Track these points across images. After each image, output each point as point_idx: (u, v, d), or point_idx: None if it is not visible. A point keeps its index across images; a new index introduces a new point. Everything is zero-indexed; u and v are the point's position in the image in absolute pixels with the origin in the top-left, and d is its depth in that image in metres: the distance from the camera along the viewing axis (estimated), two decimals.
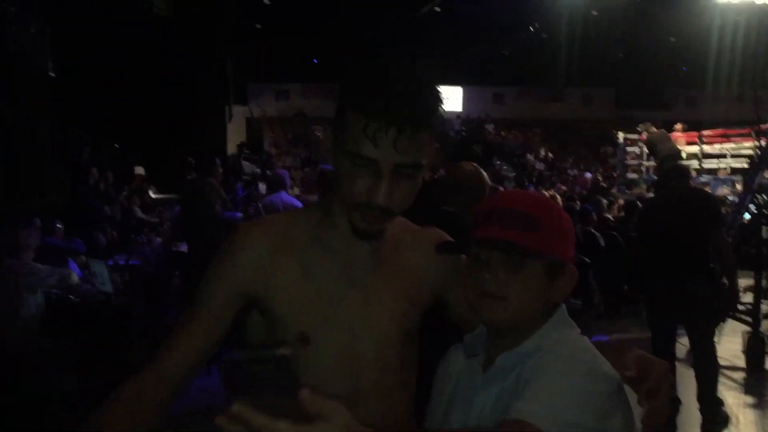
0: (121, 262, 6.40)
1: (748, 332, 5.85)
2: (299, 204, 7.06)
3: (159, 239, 8.38)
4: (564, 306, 1.32)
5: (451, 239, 1.43)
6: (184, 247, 6.95)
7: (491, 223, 1.23)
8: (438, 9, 19.54)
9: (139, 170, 14.01)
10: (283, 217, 1.44)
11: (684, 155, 13.04)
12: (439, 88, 1.26)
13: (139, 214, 10.25)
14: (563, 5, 18.04)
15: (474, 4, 20.31)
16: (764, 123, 8.06)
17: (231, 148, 17.09)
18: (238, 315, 1.35)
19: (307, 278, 1.33)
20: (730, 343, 5.91)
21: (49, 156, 8.21)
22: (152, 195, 12.36)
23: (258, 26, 19.90)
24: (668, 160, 11.84)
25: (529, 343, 1.24)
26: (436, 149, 1.32)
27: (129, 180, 12.61)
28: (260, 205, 6.48)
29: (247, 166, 6.68)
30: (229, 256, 1.34)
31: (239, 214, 6.41)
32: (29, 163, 7.57)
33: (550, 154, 23.62)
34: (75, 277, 5.11)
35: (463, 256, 1.32)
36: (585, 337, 1.29)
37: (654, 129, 14.13)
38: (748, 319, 5.91)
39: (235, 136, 18.67)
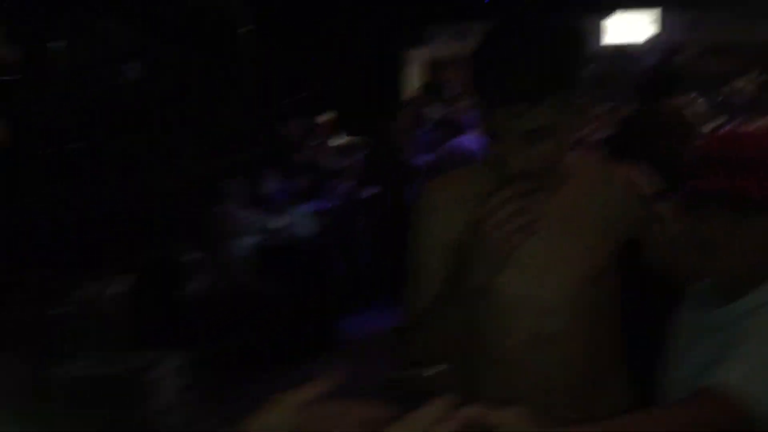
0: (314, 208, 6.76)
1: None
2: (478, 147, 7.01)
3: (344, 185, 8.69)
4: None
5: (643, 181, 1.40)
6: (368, 193, 7.16)
7: (710, 170, 1.15)
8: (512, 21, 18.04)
9: (330, 116, 14.57)
10: (466, 171, 1.51)
11: None
12: (555, 50, 1.24)
13: (330, 160, 10.67)
14: None
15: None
16: None
17: (410, 92, 17.20)
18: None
19: (489, 228, 1.35)
20: None
21: (252, 108, 8.74)
22: (338, 141, 12.83)
23: None
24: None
25: (748, 299, 1.17)
26: (581, 105, 1.32)
27: (319, 126, 13.11)
28: (444, 150, 6.50)
29: (429, 110, 6.70)
30: (424, 212, 1.47)
31: (426, 159, 6.47)
32: (233, 116, 8.10)
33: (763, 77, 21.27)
34: (278, 223, 5.46)
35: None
36: None
37: None
38: None
39: (413, 78, 18.79)
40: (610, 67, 22.60)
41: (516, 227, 1.33)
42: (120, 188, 5.77)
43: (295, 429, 0.89)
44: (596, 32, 26.09)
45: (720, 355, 1.11)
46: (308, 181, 9.39)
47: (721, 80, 18.77)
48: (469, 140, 7.20)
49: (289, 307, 4.85)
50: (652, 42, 20.26)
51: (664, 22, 22.11)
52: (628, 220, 1.41)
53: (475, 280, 1.34)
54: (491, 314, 1.36)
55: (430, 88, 10.52)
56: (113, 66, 6.51)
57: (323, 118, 13.84)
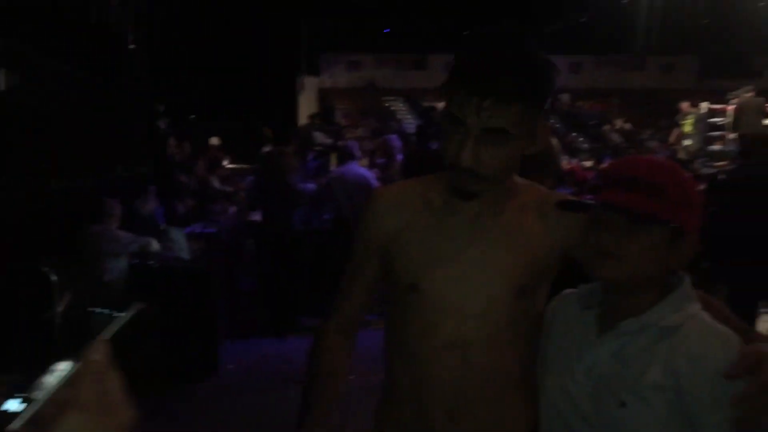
0: (198, 231, 6.59)
1: None
2: (370, 175, 7.10)
3: (234, 208, 8.58)
4: (688, 278, 1.34)
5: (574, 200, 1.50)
6: (257, 216, 7.10)
7: (613, 188, 1.27)
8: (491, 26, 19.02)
9: (214, 141, 14.38)
10: (415, 181, 1.57)
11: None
12: (538, 64, 1.33)
13: (216, 184, 10.50)
14: None
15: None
16: None
17: (302, 119, 17.26)
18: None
19: (425, 235, 1.45)
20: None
21: (133, 128, 8.48)
22: (226, 165, 12.65)
23: None
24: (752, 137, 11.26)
25: (656, 314, 1.27)
26: (541, 126, 1.38)
27: (204, 150, 12.89)
28: (331, 176, 6.54)
29: (318, 136, 6.73)
30: (367, 215, 1.54)
31: (312, 185, 6.50)
32: (116, 134, 7.82)
33: (628, 125, 22.85)
34: (155, 245, 5.31)
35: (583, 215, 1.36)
36: (706, 315, 1.30)
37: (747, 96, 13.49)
38: None
39: (306, 107, 18.83)
40: None
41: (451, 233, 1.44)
42: None
43: None
44: None
45: (646, 368, 1.21)
46: (194, 203, 9.19)
47: (597, 121, 19.93)
48: (359, 167, 7.28)
49: (169, 330, 4.69)
50: None
51: None
52: (561, 240, 1.46)
53: (405, 278, 1.43)
54: (415, 314, 1.39)
55: (321, 116, 10.59)
56: None
57: (213, 140, 13.64)
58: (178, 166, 10.00)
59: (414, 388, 1.45)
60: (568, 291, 1.51)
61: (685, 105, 14.82)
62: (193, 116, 14.51)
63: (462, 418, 1.41)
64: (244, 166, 13.04)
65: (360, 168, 7.35)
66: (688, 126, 14.38)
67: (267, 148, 8.89)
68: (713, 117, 13.92)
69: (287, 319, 6.24)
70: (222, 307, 5.43)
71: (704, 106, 14.31)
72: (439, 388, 1.42)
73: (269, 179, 6.15)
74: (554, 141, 2.81)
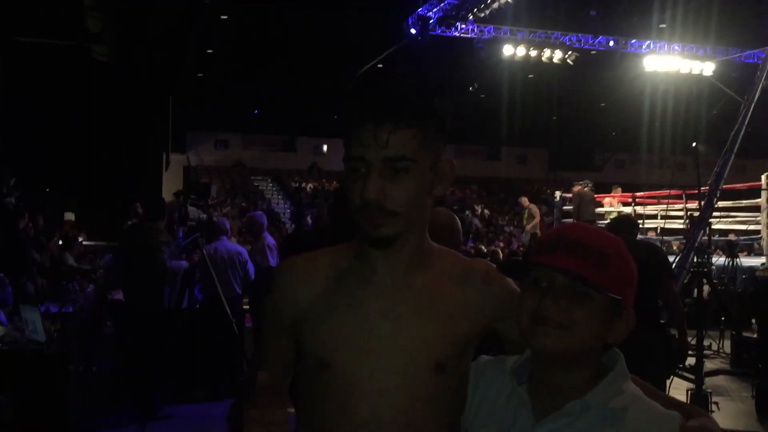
0: (54, 310, 6.06)
1: (691, 389, 5.93)
2: (243, 250, 6.91)
3: (92, 287, 8.03)
4: (622, 354, 1.28)
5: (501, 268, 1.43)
6: (118, 295, 6.66)
7: (559, 251, 1.21)
8: (380, 66, 19.86)
9: (69, 216, 13.56)
10: (325, 251, 1.45)
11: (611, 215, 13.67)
12: (429, 89, 1.29)
13: (71, 261, 9.83)
14: (502, 67, 18.62)
15: (415, 62, 20.78)
16: (703, 186, 8.41)
17: (167, 197, 16.73)
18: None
19: (336, 308, 1.34)
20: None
21: None
22: (83, 242, 11.92)
23: (200, 75, 19.76)
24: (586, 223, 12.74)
25: (600, 394, 1.20)
26: (446, 160, 1.33)
27: (59, 226, 12.14)
28: (204, 252, 6.28)
29: (193, 211, 6.49)
30: (273, 291, 1.42)
31: (185, 263, 6.20)
32: None
33: (487, 211, 24.03)
34: (1, 328, 4.82)
35: (516, 286, 1.31)
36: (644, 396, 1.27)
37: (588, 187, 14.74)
38: (691, 376, 6.00)
39: (171, 184, 18.32)
40: None
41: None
42: None
43: None
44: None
45: None
46: (46, 282, 8.51)
47: (458, 207, 20.76)
48: (231, 243, 7.07)
49: (22, 416, 4.20)
50: None
51: None
52: (485, 312, 1.38)
53: (316, 356, 1.31)
54: (328, 393, 1.26)
55: (189, 193, 10.28)
56: None
57: (68, 216, 12.87)
58: (30, 242, 9.29)
59: None
60: (487, 358, 1.41)
61: (524, 200, 16.01)
62: (47, 189, 13.65)
63: None
64: (101, 243, 12.35)
65: (233, 243, 7.15)
66: (525, 218, 15.56)
67: (131, 223, 8.47)
68: (565, 204, 14.87)
69: (149, 405, 5.79)
70: (78, 394, 4.95)
71: (558, 194, 15.29)
72: None
73: (136, 255, 5.80)
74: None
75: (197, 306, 6.84)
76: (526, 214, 15.46)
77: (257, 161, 25.00)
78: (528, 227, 14.96)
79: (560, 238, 1.24)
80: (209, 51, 19.09)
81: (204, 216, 7.20)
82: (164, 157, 17.82)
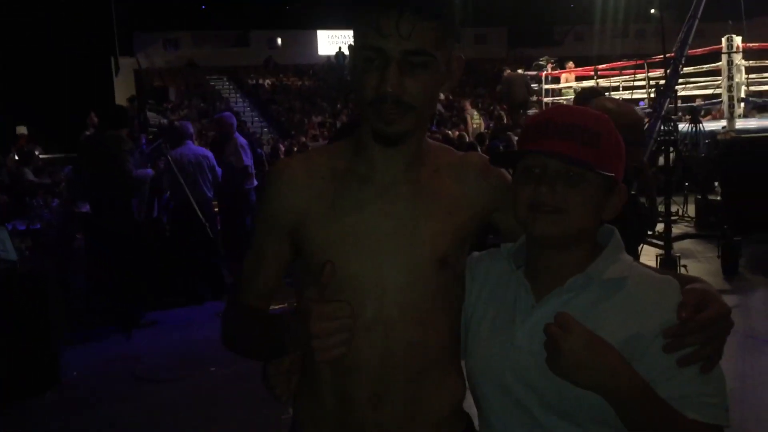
0: (21, 227, 5.94)
1: (661, 254, 6.13)
2: (210, 153, 6.77)
3: (57, 201, 7.86)
4: (616, 228, 1.28)
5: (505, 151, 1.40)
6: (85, 208, 6.53)
7: (549, 136, 1.18)
8: None
9: (22, 130, 13.06)
10: (320, 150, 1.43)
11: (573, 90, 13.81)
12: None
13: (30, 176, 9.58)
14: None
15: None
16: (669, 53, 8.35)
17: (119, 101, 16.21)
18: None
19: (338, 209, 1.31)
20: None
21: None
22: (40, 156, 11.57)
23: None
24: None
25: (599, 267, 1.21)
26: (456, 57, 1.28)
27: (12, 141, 11.76)
28: (170, 158, 6.13)
29: (152, 117, 6.26)
30: (269, 194, 1.37)
31: (150, 171, 6.05)
32: None
33: (449, 95, 23.80)
34: None
35: (510, 175, 1.28)
36: (643, 266, 1.27)
37: (549, 64, 14.66)
38: (660, 242, 6.19)
39: (123, 89, 17.70)
40: (322, 80, 23.46)
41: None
42: None
43: None
44: (313, 44, 26.89)
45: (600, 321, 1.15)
46: (8, 199, 8.31)
47: None
48: (197, 146, 6.93)
49: (2, 336, 4.17)
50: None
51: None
52: (482, 205, 1.38)
53: (319, 258, 1.28)
54: (332, 295, 1.23)
55: (145, 97, 9.95)
56: None
57: (21, 129, 12.42)
58: None
59: (336, 377, 1.33)
60: (480, 253, 1.42)
61: (465, 104, 16.11)
62: None
63: (386, 404, 1.31)
64: (59, 155, 11.96)
65: (198, 147, 6.99)
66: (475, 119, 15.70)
67: (89, 133, 8.21)
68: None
69: (131, 314, 5.80)
70: (58, 310, 4.92)
71: (520, 72, 15.16)
72: (363, 372, 1.30)
73: (99, 167, 5.63)
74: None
75: (168, 213, 6.76)
76: (469, 119, 15.58)
77: (210, 59, 24.18)
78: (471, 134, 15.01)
79: (548, 122, 1.21)
80: None
81: (164, 121, 6.99)
82: (113, 61, 17.09)
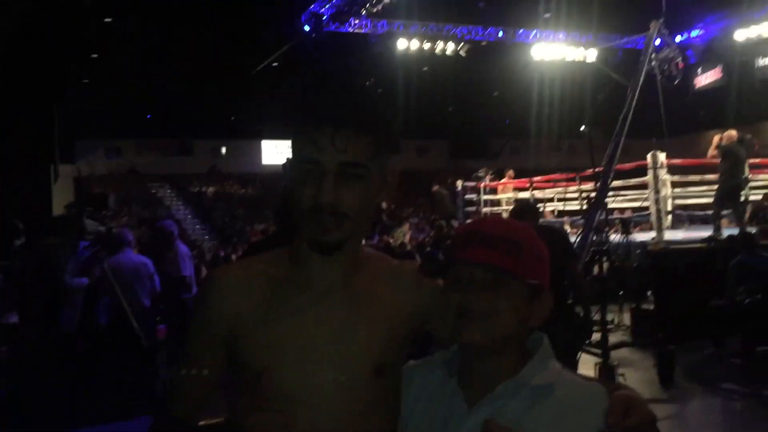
0: None
1: (599, 363, 6.20)
2: (149, 261, 6.65)
3: None
4: (545, 335, 1.32)
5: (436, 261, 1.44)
6: (13, 318, 6.27)
7: (474, 246, 1.24)
8: (275, 64, 19.63)
9: None
10: (255, 259, 1.42)
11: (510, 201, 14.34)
12: (382, 97, 1.30)
13: None
14: (397, 61, 18.83)
15: (311, 62, 20.68)
16: (598, 167, 8.79)
17: (57, 209, 15.94)
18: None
19: (273, 317, 1.31)
20: (583, 373, 6.23)
21: None
22: None
23: (85, 81, 18.89)
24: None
25: (528, 373, 1.25)
26: (389, 170, 1.34)
27: None
28: (106, 267, 6.00)
29: (90, 224, 6.17)
30: (204, 301, 1.36)
31: (85, 280, 5.89)
32: None
33: (392, 205, 24.21)
34: None
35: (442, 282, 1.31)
36: (571, 372, 1.32)
37: (487, 175, 15.21)
38: (597, 350, 6.27)
39: (62, 196, 17.44)
40: (267, 188, 23.58)
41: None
42: None
43: None
44: (257, 153, 27.19)
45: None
46: None
47: None
48: (136, 254, 6.81)
49: None
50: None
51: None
52: (418, 313, 1.39)
53: (254, 366, 1.27)
54: (266, 404, 1.21)
55: (83, 204, 9.82)
56: None
57: None
58: None
59: None
60: (415, 362, 1.42)
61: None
62: None
63: None
64: None
65: (137, 255, 6.87)
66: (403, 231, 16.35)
67: (20, 242, 7.99)
68: (467, 194, 15.20)
69: (58, 431, 5.49)
70: None
71: (459, 183, 15.61)
72: None
73: (31, 275, 5.47)
74: None
75: (102, 323, 6.54)
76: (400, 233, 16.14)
77: (153, 167, 24.17)
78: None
79: (474, 233, 1.27)
80: (93, 55, 18.27)
81: (102, 228, 6.89)
82: (52, 168, 16.91)
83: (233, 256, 12.51)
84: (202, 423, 1.44)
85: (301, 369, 1.28)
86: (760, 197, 11.45)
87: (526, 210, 5.19)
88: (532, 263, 1.26)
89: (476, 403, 1.25)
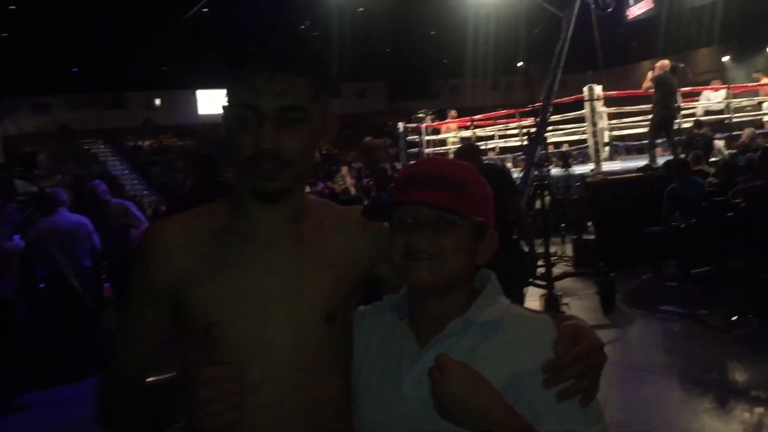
0: None
1: (544, 295, 6.37)
2: (86, 220, 6.46)
3: None
4: (493, 273, 1.32)
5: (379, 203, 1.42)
6: None
7: (417, 187, 1.23)
8: (206, 10, 18.95)
9: None
10: (197, 212, 1.37)
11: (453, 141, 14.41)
12: (319, 39, 1.27)
13: None
14: (332, 3, 18.39)
15: (242, 5, 20.04)
16: (537, 103, 8.83)
17: None
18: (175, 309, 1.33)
19: (219, 268, 1.28)
20: (530, 306, 6.38)
21: None
22: None
23: (5, 34, 17.93)
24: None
25: (477, 310, 1.25)
26: (331, 112, 1.30)
27: None
28: (41, 228, 5.80)
29: (21, 185, 5.93)
30: (144, 258, 1.32)
31: (20, 242, 5.68)
32: None
33: (334, 150, 24.07)
34: None
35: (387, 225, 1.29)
36: (519, 307, 1.33)
37: (428, 116, 15.20)
38: (543, 283, 6.43)
39: None
40: (205, 139, 23.10)
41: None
42: None
43: None
44: (192, 104, 26.50)
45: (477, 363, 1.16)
46: None
47: None
48: (71, 214, 6.59)
49: None
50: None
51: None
52: (366, 257, 1.38)
53: (202, 320, 1.24)
54: (219, 357, 1.18)
55: (12, 164, 9.44)
56: None
57: None
58: None
59: None
60: (365, 307, 1.42)
61: (342, 168, 16.74)
62: None
63: None
64: None
65: (73, 214, 6.66)
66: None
67: None
68: (407, 135, 15.19)
69: (3, 398, 5.38)
70: None
71: (401, 125, 15.57)
72: None
73: None
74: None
75: (40, 286, 6.36)
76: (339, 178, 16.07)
77: (84, 123, 23.33)
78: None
79: (416, 175, 1.26)
80: (12, 7, 17.32)
81: (35, 188, 6.64)
82: None
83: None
84: (150, 380, 1.40)
85: (250, 320, 1.26)
86: (691, 125, 11.79)
87: (467, 152, 5.22)
88: (476, 202, 1.26)
89: (427, 344, 1.25)
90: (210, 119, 22.90)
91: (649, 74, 10.33)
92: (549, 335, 1.21)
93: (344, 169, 16.42)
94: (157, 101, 25.62)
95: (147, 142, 23.74)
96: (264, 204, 1.26)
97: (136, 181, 21.15)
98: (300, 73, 1.19)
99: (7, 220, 5.73)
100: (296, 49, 1.20)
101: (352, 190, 13.19)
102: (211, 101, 24.32)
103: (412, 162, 1.50)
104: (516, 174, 8.62)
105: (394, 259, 1.25)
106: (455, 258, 1.23)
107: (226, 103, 1.24)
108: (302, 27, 1.25)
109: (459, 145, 14.37)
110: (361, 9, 20.59)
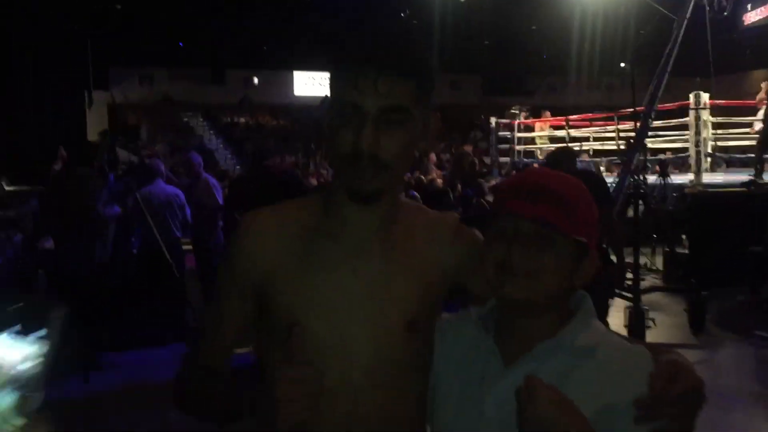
0: None
1: (629, 307, 6.14)
2: (180, 192, 6.69)
3: (20, 236, 7.68)
4: (588, 295, 1.26)
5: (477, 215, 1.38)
6: (49, 243, 6.39)
7: (522, 198, 1.17)
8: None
9: None
10: (290, 204, 1.37)
11: (545, 140, 14.07)
12: (423, 42, 1.24)
13: None
14: None
15: None
16: (639, 107, 8.51)
17: (91, 136, 16.06)
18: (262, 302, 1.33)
19: (306, 268, 1.27)
20: (613, 318, 6.18)
21: None
22: (6, 187, 11.36)
23: (118, 6, 18.74)
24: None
25: (569, 334, 1.19)
26: (432, 115, 1.27)
27: None
28: (138, 197, 6.04)
29: (123, 154, 6.20)
30: (236, 249, 1.32)
31: (118, 209, 5.95)
32: None
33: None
34: None
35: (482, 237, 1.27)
36: (615, 334, 1.27)
37: (522, 113, 14.91)
38: (629, 295, 6.20)
39: (96, 123, 17.55)
40: (298, 121, 23.49)
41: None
42: None
43: None
44: (289, 84, 26.99)
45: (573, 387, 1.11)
46: None
47: None
48: (166, 185, 6.84)
49: None
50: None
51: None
52: (455, 267, 1.35)
53: (284, 319, 1.24)
54: (299, 357, 1.18)
55: (116, 134, 9.87)
56: None
57: None
58: None
59: None
60: (449, 315, 1.38)
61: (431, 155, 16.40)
62: None
63: None
64: (25, 187, 11.73)
65: (168, 186, 6.91)
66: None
67: (58, 167, 8.09)
68: (499, 131, 14.96)
69: (89, 356, 5.64)
70: None
71: (493, 120, 15.34)
72: None
73: (66, 203, 5.53)
74: None
75: (134, 252, 6.64)
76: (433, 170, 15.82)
77: (185, 96, 24.15)
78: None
79: (523, 184, 1.20)
80: None
81: (135, 158, 6.93)
82: (86, 95, 16.96)
83: None
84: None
85: (331, 324, 1.25)
86: None
87: (563, 155, 5.10)
88: (583, 221, 1.19)
89: (513, 362, 1.20)
90: (305, 101, 23.29)
91: (764, 85, 9.77)
92: (645, 368, 1.14)
93: (432, 157, 16.23)
94: (255, 80, 26.21)
95: (242, 119, 24.35)
96: (357, 204, 1.23)
97: (229, 157, 21.74)
98: (406, 75, 1.17)
99: (107, 188, 5.99)
100: (404, 51, 1.18)
101: (439, 181, 13.08)
102: (307, 83, 24.71)
103: (517, 172, 1.45)
104: (610, 179, 8.33)
105: (487, 271, 1.20)
106: (553, 277, 1.17)
107: (330, 96, 1.22)
108: (410, 28, 1.22)
109: (547, 145, 14.11)
110: (462, 0, 20.38)
